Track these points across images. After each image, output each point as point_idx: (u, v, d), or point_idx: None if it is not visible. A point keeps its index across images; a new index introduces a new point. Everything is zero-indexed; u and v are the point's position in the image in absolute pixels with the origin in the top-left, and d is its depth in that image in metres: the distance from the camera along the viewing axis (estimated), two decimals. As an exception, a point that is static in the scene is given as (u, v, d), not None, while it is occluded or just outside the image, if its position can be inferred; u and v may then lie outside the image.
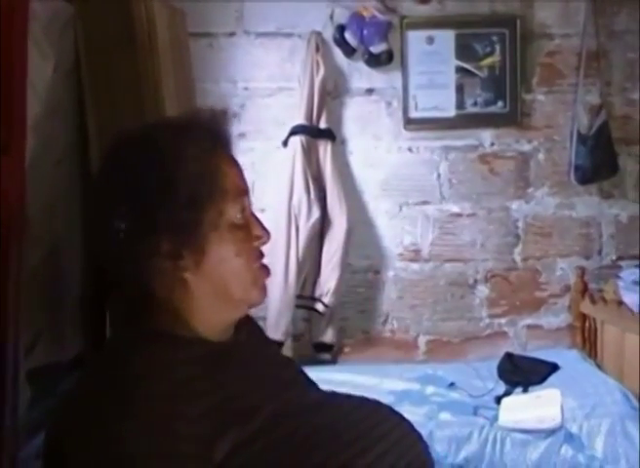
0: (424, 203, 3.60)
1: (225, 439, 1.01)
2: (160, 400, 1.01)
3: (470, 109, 3.57)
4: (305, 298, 3.47)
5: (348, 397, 1.28)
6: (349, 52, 3.50)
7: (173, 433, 0.98)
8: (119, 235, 1.10)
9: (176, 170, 1.11)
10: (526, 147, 3.61)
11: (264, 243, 1.21)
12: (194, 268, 1.13)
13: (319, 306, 3.44)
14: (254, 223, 1.20)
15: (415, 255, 3.62)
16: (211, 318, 1.17)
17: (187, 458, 0.98)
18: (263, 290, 1.22)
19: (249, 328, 1.30)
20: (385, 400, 1.30)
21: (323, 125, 3.44)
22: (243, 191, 1.20)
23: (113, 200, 1.12)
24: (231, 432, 1.03)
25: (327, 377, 2.92)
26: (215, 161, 1.16)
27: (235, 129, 1.19)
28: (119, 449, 0.95)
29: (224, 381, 1.10)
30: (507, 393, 3.03)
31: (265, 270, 1.22)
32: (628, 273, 3.21)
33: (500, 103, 3.56)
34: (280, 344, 3.38)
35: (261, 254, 1.22)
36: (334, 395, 1.28)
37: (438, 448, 2.64)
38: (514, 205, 3.62)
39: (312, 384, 1.32)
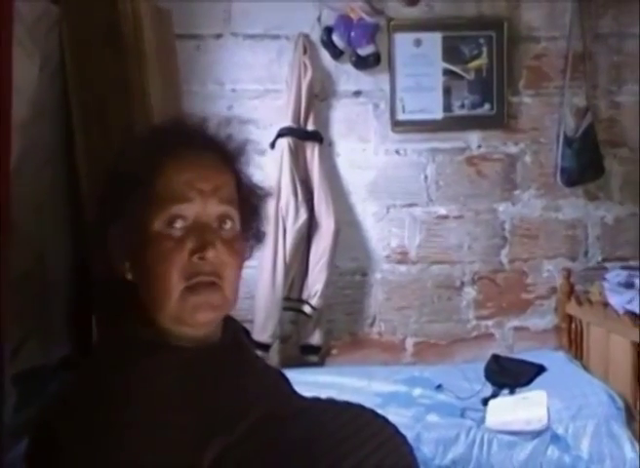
0: (412, 205, 3.61)
1: (212, 445, 1.01)
2: (147, 409, 1.00)
3: (457, 112, 3.58)
4: (293, 301, 3.47)
5: (332, 402, 1.28)
6: (337, 54, 3.51)
7: (161, 441, 0.98)
8: (93, 237, 1.16)
9: (122, 166, 1.14)
10: (513, 149, 3.63)
11: (202, 258, 1.10)
12: (132, 272, 1.14)
13: (306, 308, 3.44)
14: (193, 236, 1.11)
15: (402, 258, 3.63)
16: (172, 328, 1.13)
17: (177, 465, 0.97)
18: (198, 310, 1.11)
19: (235, 330, 1.29)
20: (373, 402, 1.31)
21: (310, 127, 3.44)
22: (181, 200, 1.11)
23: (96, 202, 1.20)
24: (218, 438, 1.02)
25: (314, 380, 2.94)
26: (158, 159, 1.13)
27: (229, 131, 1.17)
28: (107, 458, 0.95)
29: (210, 387, 1.09)
30: (494, 395, 3.03)
31: (205, 288, 1.11)
32: (613, 275, 3.23)
33: (486, 106, 3.57)
34: (267, 346, 3.38)
35: (204, 272, 1.11)
36: (317, 400, 1.28)
37: (425, 450, 2.64)
38: (501, 207, 3.63)
39: (294, 392, 1.31)
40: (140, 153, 1.14)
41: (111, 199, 1.13)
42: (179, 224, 1.11)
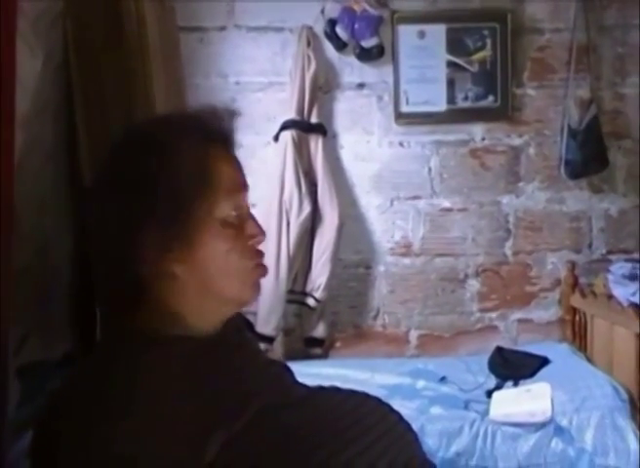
0: (415, 197, 3.61)
1: (216, 436, 1.01)
2: (152, 400, 1.00)
3: (461, 104, 3.57)
4: (297, 293, 3.47)
5: (336, 390, 1.28)
6: (340, 46, 3.50)
7: (165, 433, 0.98)
8: (111, 228, 1.12)
9: (167, 164, 1.11)
10: (517, 142, 3.62)
11: (259, 242, 1.20)
12: (183, 262, 1.12)
13: (310, 301, 3.45)
14: (248, 222, 1.19)
15: (406, 250, 3.63)
16: (200, 314, 1.16)
17: (180, 458, 0.98)
18: (255, 289, 1.21)
19: (236, 322, 1.29)
20: (377, 394, 1.31)
21: (314, 119, 3.44)
22: (238, 189, 1.18)
23: (108, 190, 1.14)
24: (221, 429, 1.02)
25: (318, 372, 2.95)
26: (208, 157, 1.15)
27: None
28: (111, 450, 0.95)
29: (212, 378, 1.10)
30: (498, 387, 3.04)
31: (261, 269, 1.21)
32: (618, 267, 3.22)
33: (490, 98, 3.57)
34: (271, 339, 3.38)
35: (259, 254, 1.20)
36: (321, 388, 1.28)
37: (429, 443, 2.65)
38: (505, 199, 3.63)
39: (298, 382, 1.31)
40: (189, 145, 1.15)
41: (159, 195, 1.10)
42: (234, 212, 1.17)
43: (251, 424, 1.06)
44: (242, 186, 1.20)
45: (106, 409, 0.99)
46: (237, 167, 1.21)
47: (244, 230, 1.18)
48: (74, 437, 0.98)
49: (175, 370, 1.07)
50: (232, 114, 1.26)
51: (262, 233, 1.20)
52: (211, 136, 1.19)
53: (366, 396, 1.26)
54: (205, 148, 1.16)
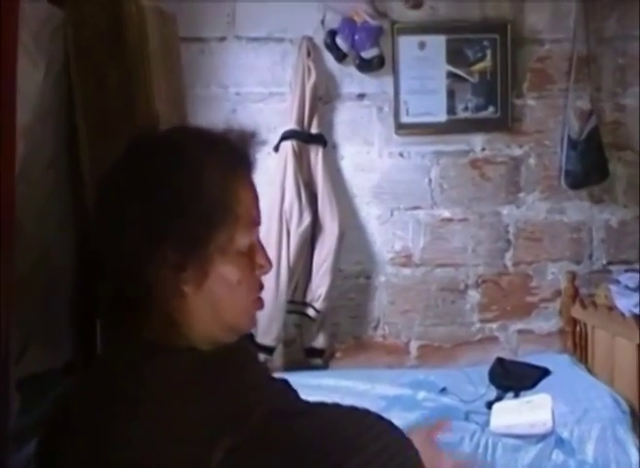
0: (416, 208, 3.61)
1: (221, 442, 1.01)
2: (157, 407, 1.01)
3: (461, 114, 3.58)
4: (297, 304, 3.46)
5: (338, 405, 1.28)
6: (341, 57, 3.51)
7: (173, 439, 0.98)
8: (128, 236, 1.08)
9: (197, 183, 1.09)
10: (517, 152, 3.62)
11: (266, 272, 1.20)
12: (194, 284, 1.11)
13: (310, 311, 3.44)
14: (259, 252, 1.19)
15: (406, 261, 3.63)
16: (201, 334, 1.15)
17: (185, 464, 0.97)
18: (253, 321, 1.21)
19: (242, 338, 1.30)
20: (377, 405, 1.31)
21: (314, 130, 3.44)
22: (257, 222, 1.18)
23: (127, 199, 1.09)
24: (226, 435, 1.02)
25: (318, 383, 2.94)
26: (235, 184, 1.14)
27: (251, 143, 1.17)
28: (117, 456, 0.95)
29: (217, 386, 1.10)
30: (499, 398, 3.03)
31: (260, 302, 1.21)
32: (626, 277, 3.21)
33: (490, 108, 3.57)
34: (271, 349, 3.38)
35: (261, 286, 1.20)
36: (322, 403, 1.28)
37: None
38: (505, 210, 3.63)
39: (300, 399, 1.31)
40: (214, 172, 1.11)
41: (182, 220, 1.08)
42: (248, 243, 1.16)
43: (258, 430, 1.06)
44: (258, 219, 1.19)
45: (112, 416, 0.99)
46: (255, 197, 1.19)
47: (254, 261, 1.17)
48: (80, 444, 0.98)
49: (180, 378, 1.07)
50: (256, 139, 1.23)
51: (270, 265, 1.20)
52: (238, 159, 1.17)
53: (367, 411, 1.26)
54: (233, 172, 1.14)
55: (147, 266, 1.08)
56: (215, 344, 1.17)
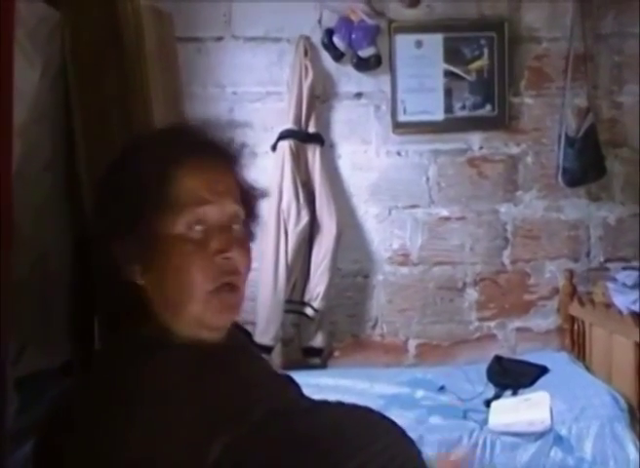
0: (413, 206, 3.61)
1: (218, 439, 1.01)
2: (154, 404, 1.01)
3: (459, 113, 3.58)
4: (295, 303, 3.47)
5: (341, 403, 1.28)
6: (338, 56, 3.51)
7: (170, 437, 0.98)
8: (96, 234, 1.17)
9: (127, 177, 1.13)
10: (514, 150, 3.63)
11: (229, 257, 1.12)
12: (146, 277, 1.13)
13: (308, 311, 3.44)
14: (216, 237, 1.12)
15: (404, 259, 3.63)
16: (177, 329, 1.14)
17: (183, 460, 0.98)
18: (222, 312, 1.13)
19: (238, 333, 1.30)
20: (375, 404, 1.30)
21: (312, 129, 3.45)
22: (201, 202, 1.12)
23: (95, 201, 1.20)
24: (223, 432, 1.02)
25: (316, 382, 2.94)
26: (170, 170, 1.13)
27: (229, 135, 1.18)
28: (117, 454, 0.96)
29: (214, 383, 1.10)
30: (497, 396, 3.04)
31: (227, 289, 1.13)
32: (624, 275, 3.21)
33: (488, 107, 3.58)
34: (270, 349, 3.38)
35: (227, 272, 1.13)
36: (325, 402, 1.28)
37: (428, 452, 2.63)
38: (503, 208, 3.63)
39: (303, 395, 1.31)
40: (150, 162, 1.14)
41: (120, 209, 1.13)
42: (199, 227, 1.12)
43: (258, 427, 1.06)
44: (207, 199, 1.13)
45: (109, 415, 0.99)
46: (208, 179, 1.15)
47: (207, 246, 1.11)
48: (78, 444, 0.98)
49: (177, 374, 1.07)
50: (216, 124, 1.24)
51: (230, 248, 1.12)
52: (180, 148, 1.17)
53: (369, 410, 1.26)
54: (168, 162, 1.14)
55: (112, 265, 1.12)
56: (197, 341, 1.15)
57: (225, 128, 1.24)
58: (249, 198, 1.26)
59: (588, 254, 3.66)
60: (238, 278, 1.15)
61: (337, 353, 3.64)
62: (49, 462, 1.02)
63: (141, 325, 1.14)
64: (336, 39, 3.46)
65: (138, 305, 1.14)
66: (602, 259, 3.66)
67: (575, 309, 3.45)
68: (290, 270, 3.36)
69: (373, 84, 3.58)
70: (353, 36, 3.44)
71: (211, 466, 0.99)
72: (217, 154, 1.20)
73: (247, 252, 1.18)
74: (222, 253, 1.12)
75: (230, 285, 1.13)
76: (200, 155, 1.17)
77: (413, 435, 1.29)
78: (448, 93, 3.57)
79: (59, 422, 1.03)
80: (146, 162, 1.15)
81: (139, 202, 1.12)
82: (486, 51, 3.56)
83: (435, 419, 2.82)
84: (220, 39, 3.53)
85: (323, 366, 3.57)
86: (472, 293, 3.65)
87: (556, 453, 2.66)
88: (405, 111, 3.57)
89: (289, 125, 3.41)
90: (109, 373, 1.08)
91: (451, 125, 3.59)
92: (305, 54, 3.46)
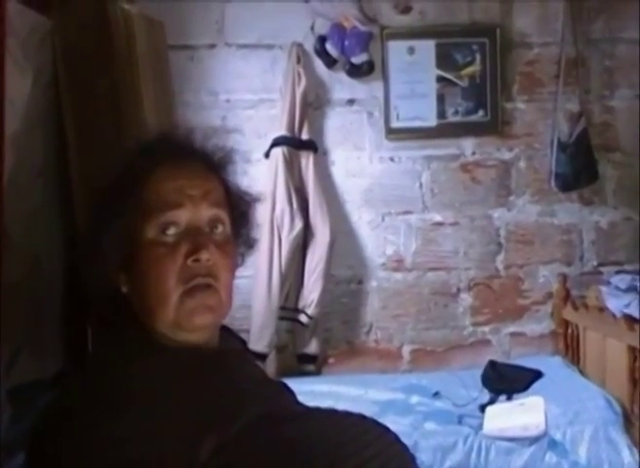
0: (407, 212, 3.61)
1: (209, 439, 1.02)
2: (144, 404, 1.02)
3: (451, 118, 3.59)
4: (289, 310, 3.46)
5: (334, 410, 1.28)
6: (330, 63, 3.51)
7: (157, 436, 0.99)
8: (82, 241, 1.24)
9: (113, 182, 1.18)
10: (507, 156, 3.63)
11: (200, 259, 1.13)
12: (128, 284, 1.16)
13: (302, 317, 3.44)
14: (188, 240, 1.14)
15: (398, 265, 3.63)
16: (158, 332, 1.15)
17: (172, 460, 0.98)
18: (197, 313, 1.14)
19: (231, 340, 1.30)
20: (370, 410, 1.31)
21: (305, 136, 3.45)
22: (173, 206, 1.14)
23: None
24: (215, 432, 1.03)
25: (311, 389, 2.93)
26: (144, 175, 1.16)
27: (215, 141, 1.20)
28: (108, 454, 0.96)
29: (207, 387, 1.10)
30: (491, 401, 3.03)
31: (201, 290, 1.14)
32: (618, 279, 3.21)
33: (480, 112, 3.58)
34: (264, 356, 3.37)
35: (200, 274, 1.13)
36: (318, 408, 1.28)
37: (423, 458, 2.63)
38: (496, 213, 3.64)
39: (297, 401, 1.31)
40: (127, 166, 1.19)
41: (102, 214, 1.16)
42: (171, 231, 1.14)
43: (248, 430, 1.06)
44: (178, 203, 1.15)
45: (100, 418, 1.00)
46: (182, 184, 1.16)
47: (178, 249, 1.13)
48: (70, 445, 0.99)
49: (168, 375, 1.08)
50: (210, 132, 1.26)
51: (198, 250, 1.13)
52: (162, 156, 1.20)
53: (363, 416, 1.26)
54: (147, 169, 1.17)
55: (97, 270, 1.16)
56: (184, 343, 1.16)
57: (213, 134, 1.25)
58: (239, 203, 1.27)
59: (582, 259, 3.67)
60: (215, 280, 1.15)
61: (331, 359, 3.64)
62: (41, 463, 1.02)
63: (130, 328, 1.15)
64: (328, 46, 3.47)
65: (125, 309, 1.15)
66: (595, 263, 3.66)
67: (568, 313, 3.45)
68: (284, 277, 3.36)
69: (365, 90, 3.58)
70: (346, 43, 3.44)
71: (203, 463, 1.00)
72: (197, 160, 1.22)
73: (227, 254, 1.19)
74: (193, 255, 1.13)
75: (207, 286, 1.14)
76: (176, 161, 1.20)
77: (408, 441, 1.30)
78: (440, 98, 3.57)
79: (51, 425, 1.04)
80: (127, 168, 1.18)
81: (118, 205, 1.15)
82: (478, 56, 3.57)
83: (430, 425, 2.82)
84: (212, 46, 3.53)
85: (317, 372, 3.56)
86: (466, 299, 3.66)
87: (551, 458, 2.66)
88: (398, 117, 3.58)
89: (282, 132, 3.41)
90: (99, 376, 1.09)
91: (443, 130, 3.60)
92: (298, 61, 3.46)
